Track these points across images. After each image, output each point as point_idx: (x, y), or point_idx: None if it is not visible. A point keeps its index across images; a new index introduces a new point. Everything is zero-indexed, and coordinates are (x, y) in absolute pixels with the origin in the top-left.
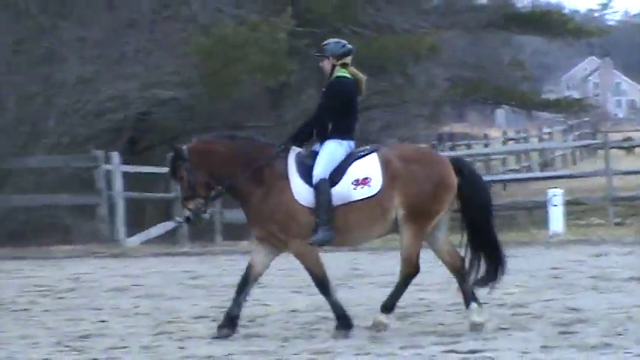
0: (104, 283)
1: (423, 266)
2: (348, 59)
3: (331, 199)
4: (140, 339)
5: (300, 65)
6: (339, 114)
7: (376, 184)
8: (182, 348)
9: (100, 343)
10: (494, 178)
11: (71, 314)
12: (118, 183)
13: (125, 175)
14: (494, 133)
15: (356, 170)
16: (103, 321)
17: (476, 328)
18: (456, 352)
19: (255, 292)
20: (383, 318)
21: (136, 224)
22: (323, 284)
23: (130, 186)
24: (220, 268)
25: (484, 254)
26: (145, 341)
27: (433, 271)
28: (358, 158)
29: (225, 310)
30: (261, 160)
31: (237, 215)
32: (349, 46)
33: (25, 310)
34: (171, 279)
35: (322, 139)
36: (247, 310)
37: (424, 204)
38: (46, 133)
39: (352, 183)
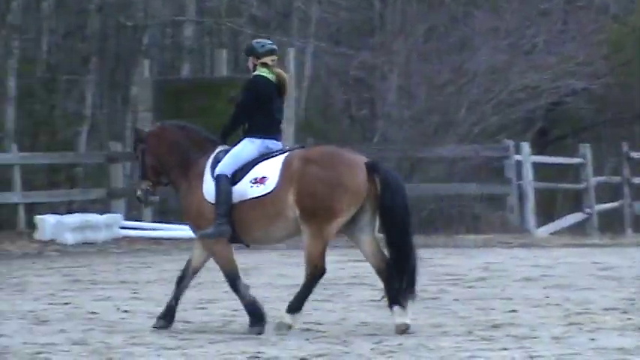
0: (514, 272)
1: None
2: (269, 59)
3: (229, 196)
4: (551, 329)
5: None
6: (252, 112)
7: (271, 184)
8: (593, 340)
9: (510, 332)
10: None
11: (481, 303)
12: (528, 173)
13: (535, 165)
14: None
15: (258, 169)
16: (513, 311)
17: (400, 329)
18: None
19: None
20: (287, 318)
21: (545, 214)
22: (232, 280)
23: (539, 176)
24: (631, 260)
25: (397, 262)
26: (555, 332)
27: None
28: (268, 158)
29: (634, 302)
30: (193, 154)
31: None
32: (270, 46)
33: (435, 298)
34: (581, 270)
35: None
36: None
37: (318, 205)
38: (457, 122)
39: (250, 181)
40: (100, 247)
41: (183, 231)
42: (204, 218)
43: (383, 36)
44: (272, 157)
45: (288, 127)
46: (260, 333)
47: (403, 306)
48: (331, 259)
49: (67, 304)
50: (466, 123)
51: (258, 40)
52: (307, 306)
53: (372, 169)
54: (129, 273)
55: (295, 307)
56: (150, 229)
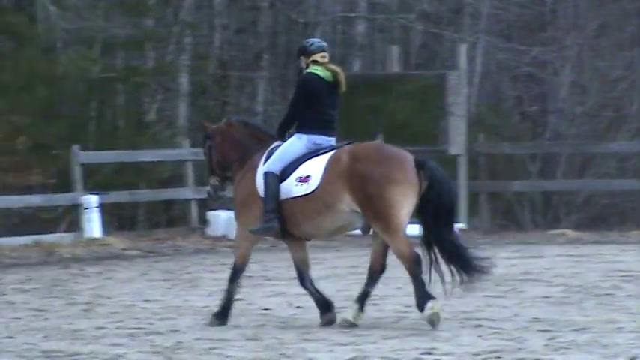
0: None
1: None
2: (318, 56)
3: (276, 192)
4: None
5: None
6: (302, 109)
7: (314, 183)
8: None
9: None
10: None
11: None
12: None
13: None
14: None
15: (304, 168)
16: None
17: (344, 323)
18: None
19: None
20: (428, 310)
21: None
22: (235, 274)
23: None
24: None
25: (444, 256)
26: None
27: None
28: (314, 157)
29: None
30: (251, 149)
31: None
32: (319, 44)
33: (608, 294)
34: None
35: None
36: None
37: (375, 201)
38: (629, 117)
39: (296, 180)
40: (271, 243)
41: None
42: (248, 208)
43: (555, 31)
44: (319, 155)
45: (459, 123)
46: (218, 325)
47: (362, 307)
48: (503, 255)
49: (239, 299)
50: (638, 118)
51: (308, 39)
52: (480, 302)
53: (419, 166)
54: None
55: (422, 302)
56: None
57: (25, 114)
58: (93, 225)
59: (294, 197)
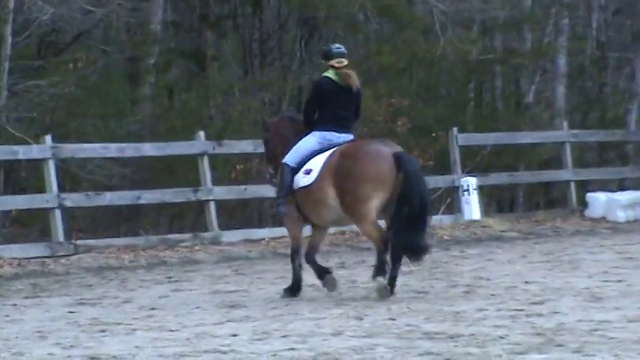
0: None
1: None
2: (334, 62)
3: (288, 181)
4: None
5: None
6: (315, 109)
7: (312, 176)
8: None
9: None
10: None
11: None
12: None
13: None
14: None
15: (311, 162)
16: None
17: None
18: None
19: None
20: (381, 280)
21: None
22: (292, 254)
23: None
24: None
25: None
26: None
27: None
28: (321, 152)
29: None
30: (291, 143)
31: None
32: (337, 50)
33: None
34: None
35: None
36: None
37: (350, 195)
38: None
39: (303, 172)
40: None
41: None
42: None
43: None
44: (323, 151)
45: None
46: (291, 295)
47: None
48: None
49: (620, 281)
50: None
51: (333, 45)
52: None
53: (397, 159)
54: None
55: (376, 273)
56: None
57: (405, 96)
58: (472, 207)
59: (301, 187)
